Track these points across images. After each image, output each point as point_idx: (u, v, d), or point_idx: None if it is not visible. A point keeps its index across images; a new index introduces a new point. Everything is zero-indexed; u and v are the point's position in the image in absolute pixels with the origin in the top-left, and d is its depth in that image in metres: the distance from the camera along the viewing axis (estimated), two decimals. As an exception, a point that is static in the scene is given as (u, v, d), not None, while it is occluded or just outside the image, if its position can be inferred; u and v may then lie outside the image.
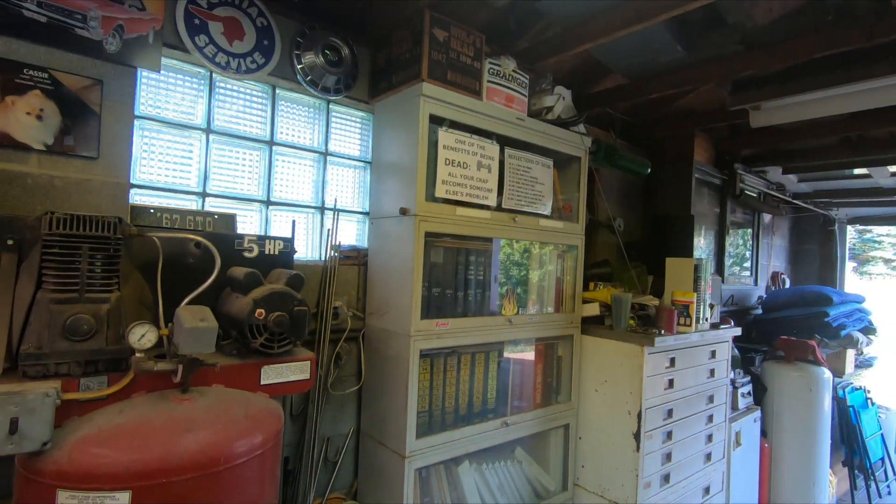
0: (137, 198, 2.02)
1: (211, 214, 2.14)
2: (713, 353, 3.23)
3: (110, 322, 1.36)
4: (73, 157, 1.80)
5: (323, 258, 2.50)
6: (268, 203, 2.39)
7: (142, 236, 1.52)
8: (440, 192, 2.30)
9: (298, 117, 2.51)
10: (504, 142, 2.57)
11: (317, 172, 2.57)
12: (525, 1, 2.45)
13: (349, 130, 2.67)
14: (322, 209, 2.56)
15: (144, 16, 1.91)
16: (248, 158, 2.36)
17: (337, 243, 2.47)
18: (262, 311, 1.58)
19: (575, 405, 2.98)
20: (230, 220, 2.18)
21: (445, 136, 2.31)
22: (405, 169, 2.31)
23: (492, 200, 2.50)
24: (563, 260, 3.01)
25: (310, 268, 2.37)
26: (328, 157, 2.58)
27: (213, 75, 2.20)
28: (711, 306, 3.21)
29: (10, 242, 1.42)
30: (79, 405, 1.32)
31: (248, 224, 2.35)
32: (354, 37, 2.51)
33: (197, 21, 2.05)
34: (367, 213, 2.69)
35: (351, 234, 2.70)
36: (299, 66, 2.34)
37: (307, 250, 2.53)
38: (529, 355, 2.90)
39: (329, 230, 2.49)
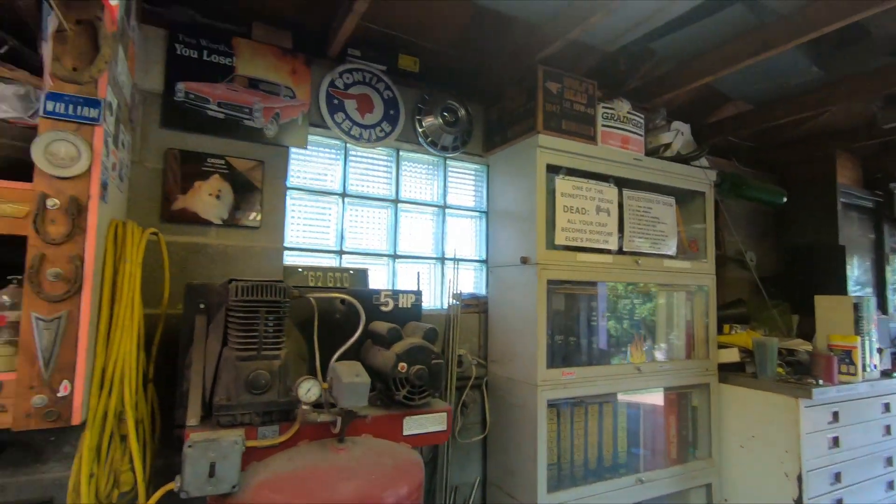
0: (289, 259, 2.29)
1: (347, 270, 2.34)
2: (887, 406, 2.77)
3: (281, 376, 1.53)
4: (241, 228, 2.11)
5: (445, 307, 2.60)
6: (394, 257, 2.56)
7: (301, 297, 1.71)
8: (560, 239, 2.31)
9: (418, 175, 2.69)
10: (622, 184, 2.52)
11: (436, 225, 2.72)
12: (637, 42, 2.45)
13: (464, 183, 2.81)
14: (442, 260, 2.68)
15: (295, 102, 2.22)
16: (377, 217, 2.57)
17: (458, 292, 2.56)
18: (405, 364, 1.68)
19: (716, 462, 2.70)
20: (363, 274, 2.37)
21: (563, 184, 2.33)
22: (523, 218, 2.35)
23: (612, 244, 2.45)
24: (691, 301, 2.81)
25: (434, 317, 2.48)
26: (446, 210, 2.72)
27: (347, 145, 2.45)
28: (880, 350, 2.78)
29: (201, 306, 1.68)
30: (256, 451, 1.48)
31: (377, 277, 2.53)
32: (468, 96, 2.67)
33: (336, 101, 2.33)
34: (483, 262, 2.76)
35: (469, 282, 2.79)
36: (420, 130, 2.53)
37: (430, 299, 2.65)
38: (661, 405, 2.71)
39: (450, 280, 2.60)
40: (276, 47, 2.20)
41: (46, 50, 1.34)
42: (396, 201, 2.58)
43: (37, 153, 1.30)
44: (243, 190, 2.11)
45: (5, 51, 1.41)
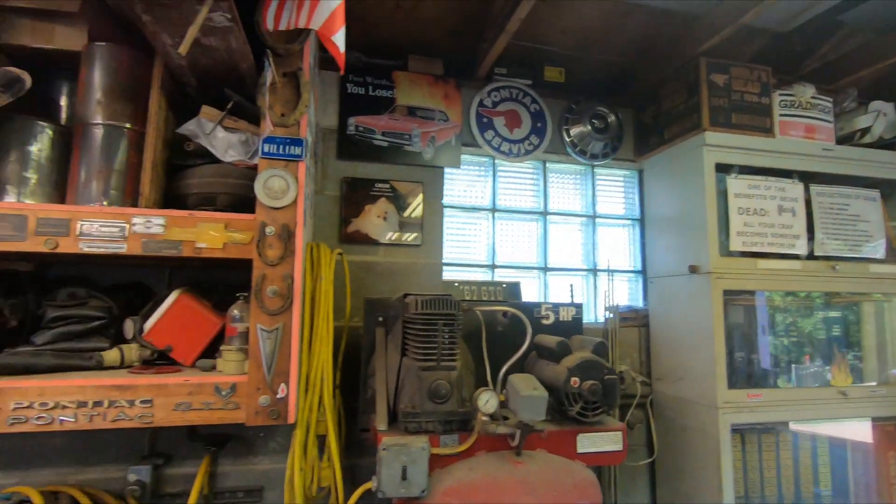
0: (445, 273, 2.38)
1: (500, 284, 2.37)
2: None
3: (458, 386, 1.59)
4: (404, 247, 2.26)
5: (600, 320, 2.49)
6: (545, 269, 2.53)
7: (469, 310, 1.77)
8: (735, 244, 2.08)
9: (565, 185, 2.64)
10: (808, 178, 2.21)
11: (585, 235, 2.63)
12: (818, 18, 2.14)
13: (612, 190, 2.69)
14: (594, 271, 2.58)
15: (449, 125, 2.33)
16: (526, 230, 2.57)
17: (614, 305, 2.44)
18: (577, 379, 1.63)
19: (961, 514, 2.18)
20: (516, 287, 2.37)
21: (735, 184, 2.11)
22: (689, 223, 2.17)
23: (800, 248, 2.14)
24: (909, 314, 2.33)
25: (591, 330, 2.39)
26: (596, 220, 2.62)
27: (495, 161, 2.50)
28: None
29: (380, 319, 1.82)
30: (438, 458, 1.54)
31: (528, 289, 2.52)
32: (617, 101, 2.57)
33: (485, 119, 2.40)
34: (639, 272, 2.60)
35: (623, 293, 2.64)
36: (568, 139, 2.49)
37: (585, 313, 2.56)
38: (872, 439, 2.26)
39: (604, 291, 2.49)
40: (429, 76, 2.34)
41: (264, 101, 1.58)
42: (545, 213, 2.56)
43: (258, 188, 1.53)
44: (404, 208, 2.26)
45: (231, 105, 1.70)
